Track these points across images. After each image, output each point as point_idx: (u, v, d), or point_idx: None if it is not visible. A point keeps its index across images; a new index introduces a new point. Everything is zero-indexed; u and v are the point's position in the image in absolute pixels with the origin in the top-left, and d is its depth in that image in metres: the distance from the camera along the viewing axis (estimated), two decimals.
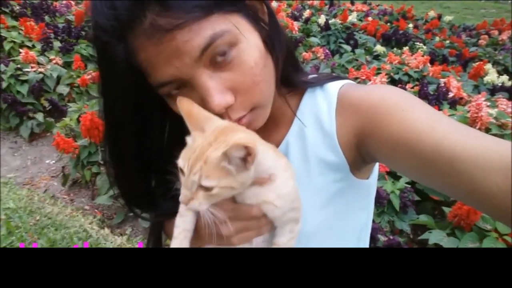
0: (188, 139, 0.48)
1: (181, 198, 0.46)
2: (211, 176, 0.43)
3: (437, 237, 1.90)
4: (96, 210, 2.73)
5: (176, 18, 0.45)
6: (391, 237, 1.94)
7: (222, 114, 0.51)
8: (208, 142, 0.44)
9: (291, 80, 0.62)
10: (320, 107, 0.61)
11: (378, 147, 0.54)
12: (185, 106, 0.47)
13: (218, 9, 0.47)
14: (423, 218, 2.08)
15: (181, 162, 0.46)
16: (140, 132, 0.58)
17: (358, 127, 0.56)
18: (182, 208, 0.53)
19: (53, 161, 3.29)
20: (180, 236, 0.52)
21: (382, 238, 1.96)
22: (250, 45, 0.50)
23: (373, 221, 2.19)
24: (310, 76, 0.65)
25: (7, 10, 4.85)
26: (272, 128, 0.65)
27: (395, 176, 2.31)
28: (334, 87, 0.61)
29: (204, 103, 0.49)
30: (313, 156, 0.61)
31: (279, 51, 0.56)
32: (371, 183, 0.66)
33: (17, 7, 4.96)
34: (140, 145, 0.59)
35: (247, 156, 0.43)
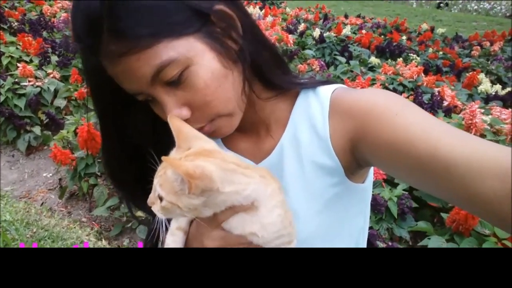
0: (172, 152, 0.49)
1: (148, 199, 0.48)
2: (163, 186, 0.45)
3: (436, 243, 1.90)
4: (93, 222, 2.71)
5: (123, 46, 0.48)
6: (390, 244, 1.93)
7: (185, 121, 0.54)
8: (179, 156, 0.46)
9: (277, 84, 0.62)
10: (313, 111, 0.61)
11: (372, 152, 0.54)
12: (175, 124, 0.49)
13: (167, 36, 0.49)
14: (422, 225, 2.07)
15: (159, 167, 0.47)
16: (123, 127, 0.62)
17: (351, 132, 0.56)
18: (172, 226, 0.53)
19: (50, 174, 3.27)
20: None
21: (381, 245, 1.96)
22: (201, 67, 0.51)
23: (372, 228, 2.17)
24: (302, 80, 0.66)
25: (5, 27, 4.90)
26: (265, 134, 0.65)
27: (392, 184, 2.32)
28: (326, 91, 0.61)
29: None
30: (308, 160, 0.61)
31: (248, 63, 0.56)
32: (367, 187, 0.66)
33: (16, 24, 5.01)
34: (124, 138, 0.63)
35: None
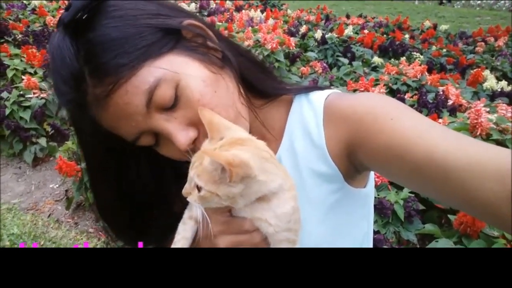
0: (205, 143, 0.50)
1: (183, 190, 0.49)
2: (201, 176, 0.46)
3: (444, 246, 1.88)
4: (100, 233, 2.72)
5: (108, 84, 0.48)
6: (397, 248, 1.91)
7: (194, 149, 0.53)
8: (214, 147, 0.47)
9: (262, 89, 0.62)
10: (307, 118, 0.61)
11: (369, 157, 0.54)
12: (206, 116, 0.49)
13: (146, 59, 0.49)
14: (429, 227, 2.05)
15: (193, 158, 0.49)
16: (114, 174, 0.62)
17: (347, 138, 0.56)
18: (185, 215, 0.54)
19: (57, 185, 3.29)
20: (179, 243, 0.53)
21: None
22: (190, 79, 0.51)
23: (379, 232, 2.14)
24: (291, 86, 0.65)
25: (9, 39, 4.95)
26: None
27: (398, 186, 2.30)
28: (319, 97, 0.61)
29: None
30: (305, 168, 0.60)
31: (236, 67, 0.57)
32: (368, 191, 0.65)
33: (19, 36, 5.07)
34: (116, 184, 0.62)
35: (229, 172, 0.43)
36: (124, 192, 0.63)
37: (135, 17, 0.51)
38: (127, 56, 0.48)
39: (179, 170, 0.61)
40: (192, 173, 0.47)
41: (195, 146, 0.53)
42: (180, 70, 0.50)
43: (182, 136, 0.51)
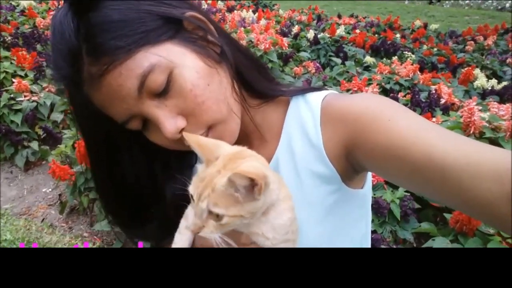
0: (198, 167, 0.48)
1: (191, 227, 0.46)
2: (219, 204, 0.43)
3: (440, 244, 1.89)
4: (95, 237, 2.70)
5: (103, 64, 0.49)
6: (394, 247, 1.93)
7: (181, 139, 0.52)
8: (217, 170, 0.44)
9: (259, 89, 0.62)
10: (304, 119, 0.61)
11: (367, 158, 0.54)
12: (193, 140, 0.48)
13: (144, 45, 0.49)
14: (425, 226, 2.07)
15: (192, 189, 0.46)
16: (113, 160, 0.62)
17: (345, 138, 0.56)
18: (181, 225, 0.53)
19: (50, 189, 3.25)
20: None
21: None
22: (185, 69, 0.51)
23: (375, 231, 2.15)
24: (287, 88, 0.65)
25: None
26: (258, 145, 0.64)
27: (393, 185, 2.31)
28: (316, 98, 0.61)
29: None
30: (303, 169, 0.60)
31: (232, 63, 0.57)
32: (366, 192, 0.65)
33: (9, 38, 4.99)
34: (114, 171, 0.63)
35: (253, 186, 0.41)
36: (117, 181, 0.63)
37: (138, 2, 0.52)
38: (125, 39, 0.49)
39: (167, 164, 0.62)
40: (203, 205, 0.43)
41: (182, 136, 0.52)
42: (176, 59, 0.51)
43: (170, 124, 0.52)
